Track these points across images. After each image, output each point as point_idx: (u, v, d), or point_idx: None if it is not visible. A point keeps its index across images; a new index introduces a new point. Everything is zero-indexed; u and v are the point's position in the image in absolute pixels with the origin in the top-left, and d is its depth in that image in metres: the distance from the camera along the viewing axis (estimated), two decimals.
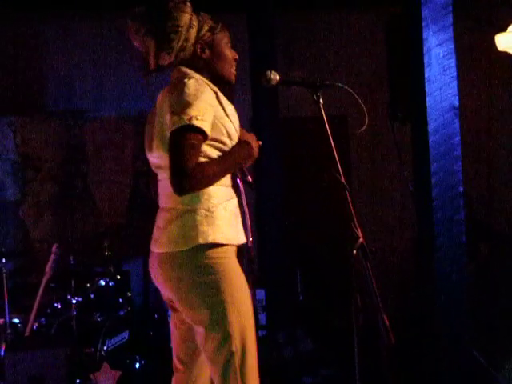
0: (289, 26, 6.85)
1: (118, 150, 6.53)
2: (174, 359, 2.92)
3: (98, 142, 6.57)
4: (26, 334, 4.81)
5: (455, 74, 4.08)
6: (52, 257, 4.97)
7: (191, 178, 2.53)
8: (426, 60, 4.05)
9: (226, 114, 2.70)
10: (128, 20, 2.74)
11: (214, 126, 2.63)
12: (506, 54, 4.99)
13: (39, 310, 4.87)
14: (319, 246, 6.52)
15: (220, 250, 2.66)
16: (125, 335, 4.91)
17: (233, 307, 2.65)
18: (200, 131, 2.56)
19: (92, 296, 5.09)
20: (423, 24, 4.04)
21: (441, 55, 4.06)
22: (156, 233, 2.78)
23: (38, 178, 6.46)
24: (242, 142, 2.75)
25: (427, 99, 4.05)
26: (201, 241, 2.62)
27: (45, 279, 4.93)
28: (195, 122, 2.53)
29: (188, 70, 2.74)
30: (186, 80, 2.63)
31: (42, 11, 6.37)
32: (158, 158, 2.74)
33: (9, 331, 4.80)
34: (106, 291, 5.18)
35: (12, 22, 6.35)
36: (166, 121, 2.62)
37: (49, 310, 4.97)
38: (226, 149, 2.70)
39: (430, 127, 4.06)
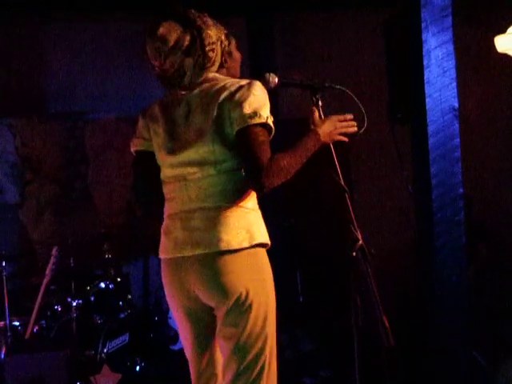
0: (288, 28, 6.86)
1: (117, 151, 6.52)
2: (191, 370, 2.85)
3: (98, 143, 6.57)
4: (26, 336, 4.81)
5: (455, 75, 4.08)
6: (52, 259, 4.97)
7: (269, 174, 2.51)
8: (425, 62, 4.05)
9: None
10: (154, 42, 2.68)
11: None
12: (505, 55, 4.99)
13: (39, 313, 4.86)
14: (319, 247, 6.52)
15: (264, 251, 2.70)
16: (125, 338, 4.91)
17: (272, 309, 2.67)
18: (271, 131, 2.63)
19: (92, 298, 5.09)
20: (422, 26, 4.04)
21: (440, 57, 4.06)
22: (190, 235, 2.66)
23: (38, 179, 6.45)
24: (311, 129, 2.77)
25: (427, 101, 4.06)
26: (259, 239, 2.64)
27: (45, 282, 4.92)
28: (270, 122, 2.60)
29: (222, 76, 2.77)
30: (252, 83, 2.64)
31: (42, 12, 6.37)
32: (203, 153, 2.66)
33: (9, 334, 4.80)
34: (106, 294, 5.18)
35: (12, 23, 6.35)
36: (229, 119, 2.60)
37: (49, 313, 4.97)
38: None
39: (430, 129, 4.07)
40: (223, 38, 2.77)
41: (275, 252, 6.60)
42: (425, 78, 4.05)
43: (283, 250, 6.40)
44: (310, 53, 6.89)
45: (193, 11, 2.73)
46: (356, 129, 2.81)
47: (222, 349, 2.71)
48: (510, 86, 6.73)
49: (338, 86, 2.82)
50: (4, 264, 4.97)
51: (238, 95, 2.60)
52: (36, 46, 6.56)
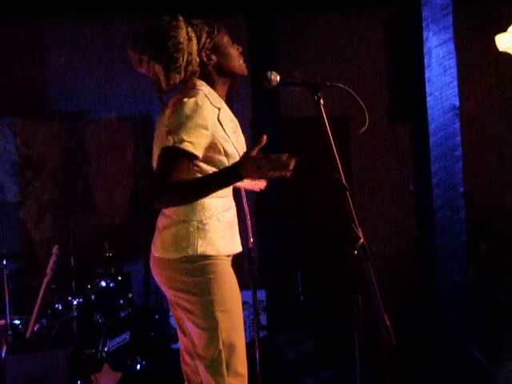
0: (289, 27, 6.85)
1: (119, 151, 6.52)
2: (182, 353, 2.98)
3: (99, 143, 6.57)
4: (27, 335, 4.81)
5: (456, 74, 4.09)
6: (53, 258, 4.97)
7: (164, 195, 2.61)
8: (426, 60, 4.06)
9: (226, 133, 2.75)
10: (129, 52, 2.80)
11: (212, 144, 2.69)
12: (506, 54, 4.99)
13: (40, 312, 4.86)
14: (320, 246, 6.51)
15: (209, 259, 2.75)
16: (126, 336, 4.91)
17: (221, 307, 2.72)
18: (187, 154, 2.63)
19: (93, 297, 5.09)
20: (423, 24, 4.05)
21: (441, 55, 4.07)
22: (155, 235, 2.88)
23: (39, 179, 6.45)
24: (240, 161, 2.63)
25: (428, 99, 4.06)
26: (190, 252, 2.72)
27: (46, 280, 4.92)
28: (184, 145, 2.60)
29: (197, 83, 2.78)
30: (185, 99, 2.66)
31: (43, 12, 6.36)
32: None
33: (10, 332, 4.80)
34: (106, 292, 5.17)
35: (13, 23, 6.35)
36: (162, 135, 2.69)
37: (50, 312, 4.97)
38: (223, 166, 2.74)
39: (431, 127, 4.07)
40: (204, 35, 2.79)
41: (276, 251, 6.62)
42: (426, 76, 4.06)
43: (284, 249, 6.41)
44: (311, 52, 6.87)
45: (164, 17, 2.78)
46: (288, 174, 2.67)
47: None
48: (511, 84, 6.72)
49: (340, 85, 2.81)
50: (5, 263, 4.97)
51: (170, 114, 2.69)
52: (37, 46, 6.55)
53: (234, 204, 2.91)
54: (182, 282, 2.73)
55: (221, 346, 2.70)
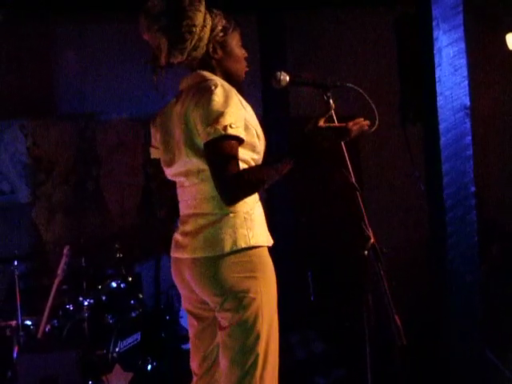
0: (299, 27, 6.85)
1: (129, 152, 6.53)
2: (192, 367, 2.89)
3: (110, 144, 6.59)
4: (39, 336, 4.82)
5: (466, 73, 4.07)
6: (64, 259, 4.98)
7: (236, 188, 2.55)
8: (436, 59, 4.04)
9: (250, 115, 2.70)
10: (141, 15, 2.71)
11: (246, 127, 2.62)
12: None
13: (51, 312, 4.88)
14: (331, 246, 6.51)
15: (260, 250, 2.69)
16: (137, 337, 4.92)
17: (265, 308, 2.64)
18: (236, 138, 2.56)
19: (104, 298, 5.10)
20: (434, 24, 4.03)
21: (451, 55, 4.05)
22: (183, 239, 2.74)
23: (50, 180, 6.47)
24: (307, 136, 2.71)
25: (438, 99, 4.05)
26: (243, 244, 2.62)
27: (57, 281, 4.94)
28: (230, 131, 2.53)
29: (208, 75, 2.72)
30: (213, 88, 2.59)
31: (53, 13, 6.38)
32: (186, 164, 2.70)
33: (21, 333, 4.82)
34: (117, 293, 5.18)
35: (24, 24, 6.37)
36: (197, 130, 2.60)
37: (61, 312, 4.98)
38: (258, 150, 2.70)
39: (442, 127, 4.06)
40: (218, 27, 2.74)
41: (286, 251, 6.61)
42: (436, 76, 4.04)
43: (294, 249, 6.40)
44: (320, 51, 6.87)
45: None
46: (366, 127, 2.74)
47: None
48: None
49: (350, 85, 2.80)
50: (16, 263, 4.99)
51: (198, 108, 2.59)
52: (47, 47, 6.58)
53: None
54: (231, 279, 2.60)
55: (259, 350, 2.61)
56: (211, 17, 2.73)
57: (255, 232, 2.67)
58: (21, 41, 6.47)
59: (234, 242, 2.61)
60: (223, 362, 2.69)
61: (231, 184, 2.53)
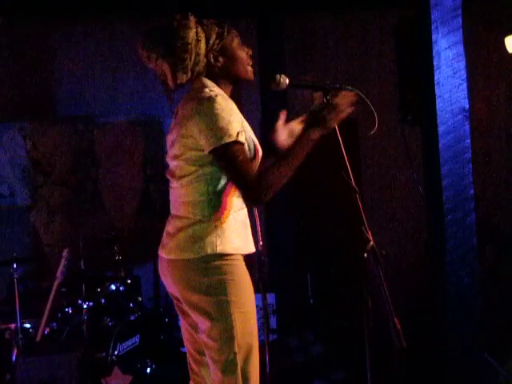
0: (298, 30, 6.86)
1: (128, 154, 6.53)
2: (189, 361, 2.98)
3: (109, 146, 6.58)
4: (38, 338, 4.82)
5: (465, 76, 4.07)
6: (63, 261, 4.98)
7: (261, 190, 2.65)
8: (435, 62, 4.04)
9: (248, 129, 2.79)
10: (139, 47, 2.78)
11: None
12: None
13: (50, 315, 4.88)
14: (330, 249, 6.51)
15: (228, 258, 2.73)
16: (136, 340, 4.92)
17: (237, 308, 2.70)
18: (242, 143, 2.66)
19: (103, 301, 5.09)
20: (432, 27, 4.03)
21: (450, 58, 4.05)
22: (165, 238, 2.84)
23: (49, 182, 6.47)
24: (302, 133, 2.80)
25: (437, 102, 4.05)
26: (209, 251, 2.69)
27: (56, 284, 4.94)
28: (241, 138, 2.64)
29: (209, 83, 2.78)
30: (213, 96, 2.66)
31: (52, 16, 6.38)
32: (175, 167, 2.80)
33: (20, 336, 4.81)
34: (116, 296, 5.18)
35: (22, 27, 6.37)
36: (193, 138, 2.68)
37: (60, 315, 4.98)
38: (251, 155, 2.76)
39: (440, 130, 4.06)
40: (213, 36, 2.77)
41: (285, 254, 6.60)
42: (435, 78, 4.04)
43: (293, 252, 6.40)
44: (319, 54, 6.88)
45: (175, 15, 2.76)
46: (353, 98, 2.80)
47: None
48: None
49: (349, 87, 2.81)
50: (15, 266, 4.98)
51: (202, 117, 2.65)
52: (46, 50, 6.58)
53: (245, 205, 2.90)
54: (199, 283, 2.70)
55: (236, 349, 2.68)
56: (203, 29, 2.77)
57: (225, 240, 2.72)
58: (20, 44, 6.47)
59: (201, 248, 2.69)
60: (209, 361, 2.78)
61: (257, 185, 2.64)
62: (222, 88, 2.80)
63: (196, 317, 2.78)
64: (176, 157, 2.77)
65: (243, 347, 2.70)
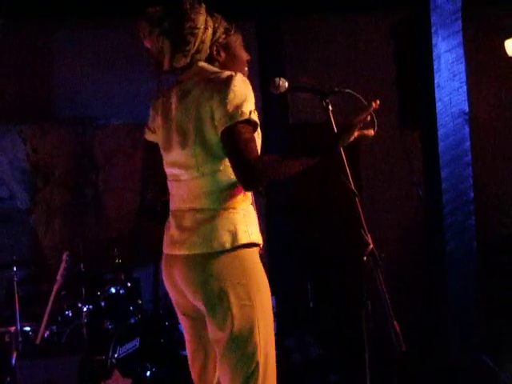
0: (297, 33, 6.86)
1: (128, 157, 6.54)
2: (191, 370, 2.87)
3: (108, 149, 6.59)
4: (37, 341, 4.82)
5: (465, 79, 4.08)
6: (63, 264, 4.98)
7: (261, 172, 2.48)
8: (435, 66, 4.06)
9: None
10: (142, 21, 2.70)
11: None
12: None
13: (50, 318, 4.87)
14: (329, 252, 6.51)
15: (254, 251, 2.61)
16: (135, 343, 4.91)
17: (261, 314, 2.57)
18: (255, 125, 2.56)
19: (103, 304, 5.09)
20: (432, 30, 4.05)
21: (450, 61, 4.07)
22: (180, 234, 2.65)
23: (49, 185, 6.48)
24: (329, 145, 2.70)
25: (437, 105, 4.06)
26: (244, 240, 2.56)
27: (56, 287, 4.93)
28: (253, 117, 2.53)
29: (213, 68, 2.70)
30: (233, 74, 2.57)
31: (51, 19, 6.39)
32: (186, 156, 2.63)
33: (20, 339, 4.81)
34: (116, 299, 5.18)
35: (21, 30, 6.38)
36: (211, 120, 2.55)
37: (60, 318, 4.98)
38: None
39: (440, 133, 4.07)
40: (220, 29, 2.74)
41: (285, 257, 6.60)
42: (435, 82, 4.05)
43: (293, 254, 6.40)
44: (319, 57, 6.89)
45: (189, 0, 2.68)
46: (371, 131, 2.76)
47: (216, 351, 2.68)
48: None
49: (348, 91, 2.81)
50: (15, 269, 4.99)
51: (217, 94, 2.53)
52: (46, 53, 6.59)
53: None
54: (226, 283, 2.53)
55: (259, 359, 2.54)
56: (212, 19, 2.72)
57: (253, 229, 2.62)
58: (19, 46, 6.48)
59: (235, 238, 2.55)
60: (223, 373, 2.62)
61: (256, 167, 2.47)
62: None
63: (215, 322, 2.58)
64: (191, 143, 2.60)
65: (264, 357, 2.56)
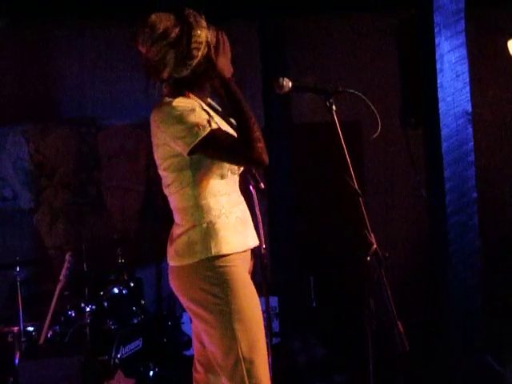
0: (300, 33, 6.85)
1: (131, 157, 6.54)
2: (195, 361, 2.98)
3: (111, 149, 6.58)
4: (41, 342, 4.82)
5: (468, 79, 4.08)
6: (66, 265, 4.98)
7: (251, 149, 2.64)
8: (438, 66, 4.05)
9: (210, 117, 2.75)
10: (143, 29, 2.73)
11: None
12: None
13: (53, 318, 4.87)
14: (332, 252, 6.51)
15: (225, 259, 2.71)
16: (138, 343, 4.91)
17: (238, 315, 2.68)
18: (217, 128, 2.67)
19: (105, 304, 5.09)
20: (435, 30, 4.04)
21: (453, 61, 4.06)
22: (168, 245, 2.85)
23: (52, 185, 6.47)
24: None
25: (440, 105, 4.05)
26: (203, 256, 2.68)
27: (59, 287, 4.94)
28: (213, 125, 2.65)
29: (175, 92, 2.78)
30: (173, 103, 2.68)
31: (54, 19, 6.39)
32: (162, 177, 2.84)
33: (23, 339, 4.81)
34: (119, 299, 5.18)
35: (24, 30, 6.38)
36: (168, 145, 2.71)
37: (63, 318, 4.98)
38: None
39: (443, 133, 4.06)
40: (213, 40, 2.76)
41: (288, 257, 6.60)
42: (438, 82, 4.05)
43: (296, 254, 6.40)
44: (321, 57, 6.88)
45: (189, 10, 2.73)
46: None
47: None
48: None
49: (352, 91, 2.81)
50: (18, 269, 4.99)
51: (169, 126, 2.68)
52: (48, 53, 6.59)
53: (242, 199, 2.89)
54: (199, 290, 2.69)
55: (240, 355, 2.67)
56: (209, 32, 2.75)
57: (219, 241, 2.71)
58: (22, 47, 6.48)
59: (197, 253, 2.69)
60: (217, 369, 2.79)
61: (251, 148, 2.63)
62: (204, 89, 2.83)
63: (198, 324, 2.79)
64: (159, 166, 2.81)
65: (248, 353, 2.68)
